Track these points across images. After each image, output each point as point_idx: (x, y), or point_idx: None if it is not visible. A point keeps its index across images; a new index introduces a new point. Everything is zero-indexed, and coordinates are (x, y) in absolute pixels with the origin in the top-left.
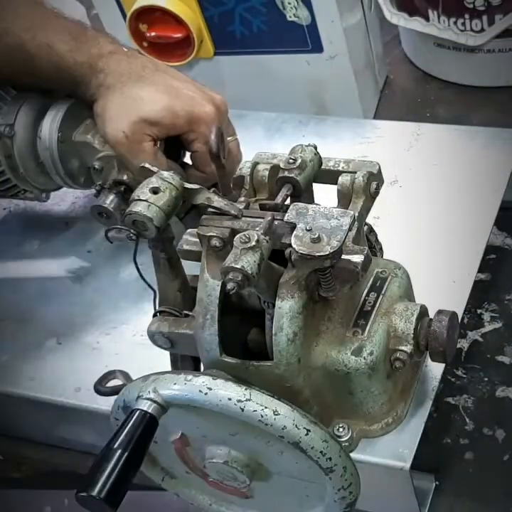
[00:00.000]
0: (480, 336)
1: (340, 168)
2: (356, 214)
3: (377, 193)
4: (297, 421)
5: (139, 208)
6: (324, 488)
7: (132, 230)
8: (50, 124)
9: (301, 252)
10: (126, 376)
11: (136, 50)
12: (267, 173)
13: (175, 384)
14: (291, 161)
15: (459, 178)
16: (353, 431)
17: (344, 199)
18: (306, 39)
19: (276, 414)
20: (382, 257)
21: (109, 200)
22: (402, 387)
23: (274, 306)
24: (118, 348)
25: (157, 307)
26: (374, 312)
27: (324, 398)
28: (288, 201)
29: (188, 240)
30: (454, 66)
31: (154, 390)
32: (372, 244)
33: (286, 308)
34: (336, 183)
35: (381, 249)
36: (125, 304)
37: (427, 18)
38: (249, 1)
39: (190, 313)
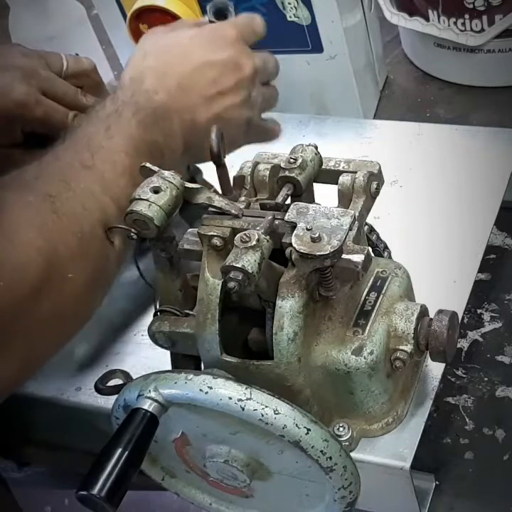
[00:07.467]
0: (480, 335)
1: (340, 168)
2: (357, 214)
3: (377, 192)
4: (297, 420)
5: (139, 207)
6: (324, 488)
7: (133, 230)
8: None
9: (301, 251)
10: (126, 375)
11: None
12: (267, 172)
13: (175, 383)
14: (291, 160)
15: (459, 178)
16: (353, 430)
17: (344, 199)
18: (306, 39)
19: (276, 414)
20: (389, 255)
21: None
22: (402, 387)
23: (274, 305)
24: (119, 347)
25: (158, 306)
26: (374, 312)
27: (324, 397)
28: (288, 201)
29: (189, 239)
30: (454, 66)
31: (155, 389)
32: (374, 244)
33: (286, 308)
34: (336, 183)
35: (386, 247)
36: (125, 304)
37: (427, 18)
38: (249, 1)
39: (190, 313)
